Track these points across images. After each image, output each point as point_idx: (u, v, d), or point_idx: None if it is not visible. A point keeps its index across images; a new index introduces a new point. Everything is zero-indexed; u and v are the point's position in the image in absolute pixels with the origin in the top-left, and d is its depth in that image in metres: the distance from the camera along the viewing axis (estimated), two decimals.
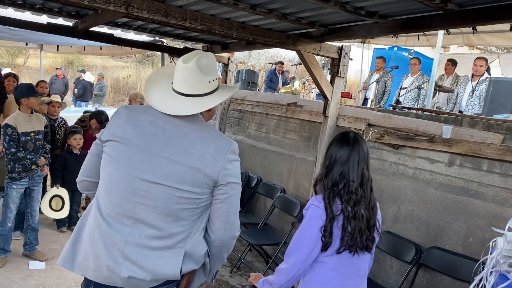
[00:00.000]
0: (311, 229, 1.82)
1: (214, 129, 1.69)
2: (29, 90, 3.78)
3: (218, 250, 1.69)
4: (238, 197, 1.66)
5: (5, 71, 11.12)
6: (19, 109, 3.81)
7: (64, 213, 4.52)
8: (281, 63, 8.98)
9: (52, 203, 4.40)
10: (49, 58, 18.10)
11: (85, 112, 6.09)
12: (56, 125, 5.29)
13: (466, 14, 2.59)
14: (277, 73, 9.02)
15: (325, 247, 1.81)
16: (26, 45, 8.58)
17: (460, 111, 5.75)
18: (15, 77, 5.61)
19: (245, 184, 5.31)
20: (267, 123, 5.57)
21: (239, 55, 8.45)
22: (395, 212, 3.66)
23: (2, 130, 3.70)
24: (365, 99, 7.39)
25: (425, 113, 4.19)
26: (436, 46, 6.07)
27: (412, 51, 8.83)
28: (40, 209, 4.17)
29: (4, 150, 3.73)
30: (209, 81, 1.63)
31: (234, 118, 6.30)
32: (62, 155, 4.82)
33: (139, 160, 1.55)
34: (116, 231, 1.56)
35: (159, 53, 8.35)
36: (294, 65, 9.42)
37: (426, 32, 7.70)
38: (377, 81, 6.27)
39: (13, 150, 3.72)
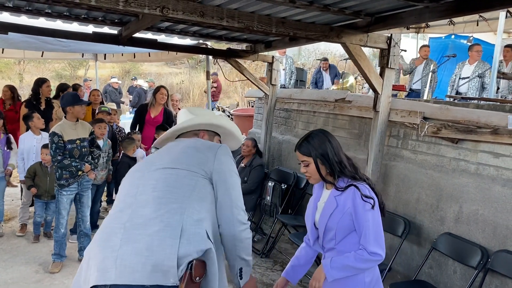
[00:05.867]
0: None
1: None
2: (74, 99, 3.86)
3: (231, 245, 1.82)
4: (237, 185, 1.85)
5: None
6: (65, 117, 3.89)
7: None
8: (325, 59, 8.47)
9: None
10: (107, 68, 18.96)
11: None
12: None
13: None
14: (322, 70, 8.63)
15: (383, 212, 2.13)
16: (82, 56, 8.94)
17: None
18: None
19: (294, 185, 5.15)
20: (315, 121, 5.37)
21: (288, 53, 8.23)
22: (457, 212, 3.36)
23: (49, 138, 3.79)
24: (411, 91, 6.94)
25: (486, 103, 3.82)
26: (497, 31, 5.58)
27: (471, 38, 8.22)
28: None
29: (51, 158, 3.83)
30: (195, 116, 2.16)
31: (280, 117, 6.15)
32: (126, 162, 4.90)
33: (142, 169, 1.87)
34: (116, 222, 1.65)
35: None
36: (344, 59, 9.07)
37: (486, 17, 7.15)
38: (433, 72, 5.86)
39: (59, 157, 3.79)
